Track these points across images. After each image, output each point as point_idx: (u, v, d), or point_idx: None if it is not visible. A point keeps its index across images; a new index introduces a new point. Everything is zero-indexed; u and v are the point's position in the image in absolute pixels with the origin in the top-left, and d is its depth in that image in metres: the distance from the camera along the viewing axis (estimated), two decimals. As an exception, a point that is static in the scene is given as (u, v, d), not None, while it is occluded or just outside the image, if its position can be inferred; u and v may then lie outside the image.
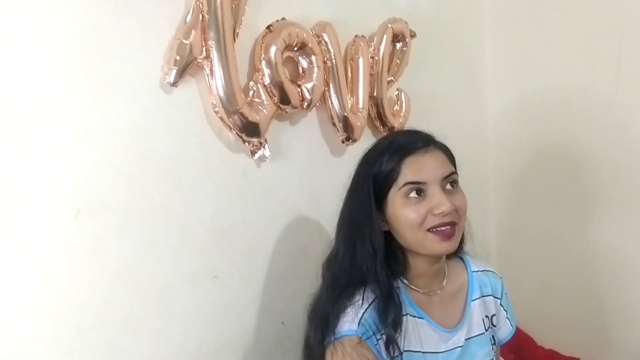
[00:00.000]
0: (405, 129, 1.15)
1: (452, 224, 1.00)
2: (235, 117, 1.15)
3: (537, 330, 1.93)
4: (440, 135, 1.08)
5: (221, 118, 1.15)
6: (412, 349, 1.02)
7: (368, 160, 1.07)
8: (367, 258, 1.02)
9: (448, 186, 1.02)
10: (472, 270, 1.16)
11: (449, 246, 1.01)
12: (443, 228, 1.00)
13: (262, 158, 1.24)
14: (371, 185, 1.04)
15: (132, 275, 1.03)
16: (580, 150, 1.76)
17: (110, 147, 1.00)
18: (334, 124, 1.38)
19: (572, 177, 1.78)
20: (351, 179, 1.09)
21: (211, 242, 1.16)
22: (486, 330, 1.12)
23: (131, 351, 1.03)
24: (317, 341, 1.02)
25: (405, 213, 1.01)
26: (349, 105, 1.40)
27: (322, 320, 1.02)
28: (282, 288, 1.27)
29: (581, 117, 1.73)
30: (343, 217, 1.09)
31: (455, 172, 1.05)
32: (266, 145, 1.24)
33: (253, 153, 1.23)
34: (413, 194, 1.00)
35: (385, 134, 1.50)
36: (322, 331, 1.01)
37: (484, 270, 1.17)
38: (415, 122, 1.31)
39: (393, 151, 1.03)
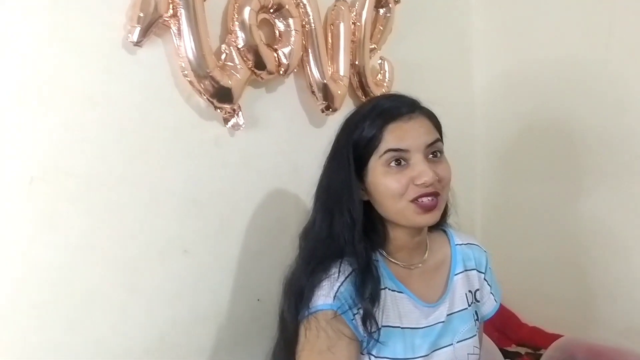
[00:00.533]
0: (389, 92, 1.09)
1: (435, 195, 0.95)
2: (206, 81, 1.08)
3: (522, 307, 1.91)
4: (426, 103, 1.02)
5: (190, 82, 1.08)
6: (390, 324, 0.97)
7: (349, 126, 1.01)
8: (345, 229, 0.97)
9: (432, 155, 0.97)
10: (456, 243, 1.12)
11: (430, 218, 0.96)
12: (425, 199, 0.95)
13: (236, 126, 1.17)
14: (351, 153, 0.98)
15: (93, 247, 0.97)
16: (570, 121, 1.71)
17: (67, 110, 0.93)
18: (313, 92, 1.31)
19: (561, 150, 1.74)
20: (331, 145, 1.03)
21: (181, 214, 1.10)
22: (469, 306, 1.07)
23: (93, 326, 0.97)
24: (291, 316, 0.97)
25: (385, 182, 0.95)
26: (329, 73, 1.33)
27: (296, 294, 0.97)
28: (258, 263, 1.22)
29: (571, 88, 1.69)
30: (321, 185, 1.03)
31: (440, 140, 0.99)
32: (240, 113, 1.17)
33: (226, 120, 1.16)
34: (394, 163, 0.95)
35: (367, 104, 1.43)
36: (296, 305, 0.96)
37: (467, 244, 1.13)
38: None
39: (375, 116, 0.97)
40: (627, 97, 1.58)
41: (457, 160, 1.04)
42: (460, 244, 1.12)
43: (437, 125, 1.02)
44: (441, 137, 1.02)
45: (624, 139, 1.59)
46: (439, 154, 0.98)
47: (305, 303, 0.94)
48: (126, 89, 1.01)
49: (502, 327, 1.94)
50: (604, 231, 1.67)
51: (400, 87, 1.50)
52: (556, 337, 1.69)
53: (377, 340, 0.94)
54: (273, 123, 1.27)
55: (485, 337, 1.55)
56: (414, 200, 0.94)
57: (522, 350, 1.80)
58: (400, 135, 0.95)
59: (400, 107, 0.97)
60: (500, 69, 1.87)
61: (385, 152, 0.95)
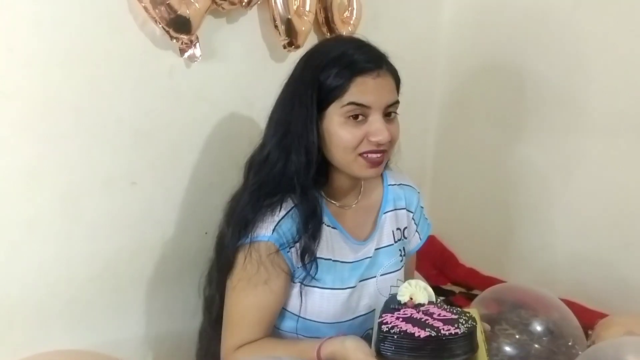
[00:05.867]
0: (356, 37, 1.06)
1: (383, 152, 0.99)
2: (162, 8, 1.03)
3: (462, 247, 1.99)
4: (391, 44, 1.02)
5: (145, 8, 1.02)
6: (322, 257, 1.02)
7: (315, 66, 0.99)
8: (300, 169, 0.99)
9: (386, 115, 1.00)
10: (388, 183, 1.17)
11: (374, 173, 1.02)
12: (374, 155, 0.99)
13: (192, 57, 1.13)
14: (315, 94, 0.98)
15: (36, 174, 0.95)
16: (528, 70, 1.72)
17: (9, 30, 0.88)
18: (276, 27, 1.27)
19: (517, 98, 1.75)
20: (290, 77, 1.03)
21: (129, 145, 1.08)
22: (395, 242, 1.14)
23: (35, 254, 0.98)
24: (232, 243, 1.00)
25: (341, 133, 0.98)
26: (294, 7, 1.28)
27: (240, 224, 0.99)
28: (207, 197, 1.22)
29: (535, 36, 1.69)
30: (279, 121, 1.03)
31: (398, 102, 1.02)
32: (197, 44, 1.13)
33: (182, 51, 1.12)
34: (353, 117, 0.97)
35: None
36: (239, 234, 0.99)
37: (400, 184, 1.18)
38: (365, 31, 1.20)
39: (344, 66, 0.97)
40: (587, 55, 1.59)
41: (414, 102, 1.04)
42: (392, 184, 1.17)
43: (398, 84, 1.04)
44: (398, 94, 1.03)
45: (574, 96, 1.62)
46: (393, 114, 1.01)
47: (247, 233, 0.98)
48: (76, 11, 0.96)
49: (440, 265, 2.03)
50: (539, 182, 1.73)
51: (366, 26, 1.47)
52: (490, 279, 1.79)
53: (313, 277, 1.00)
54: (231, 55, 1.23)
55: (416, 275, 1.63)
56: (363, 155, 0.98)
57: (457, 289, 1.91)
58: (365, 90, 0.97)
59: (370, 61, 0.98)
60: (469, 6, 1.83)
61: (348, 103, 0.96)
